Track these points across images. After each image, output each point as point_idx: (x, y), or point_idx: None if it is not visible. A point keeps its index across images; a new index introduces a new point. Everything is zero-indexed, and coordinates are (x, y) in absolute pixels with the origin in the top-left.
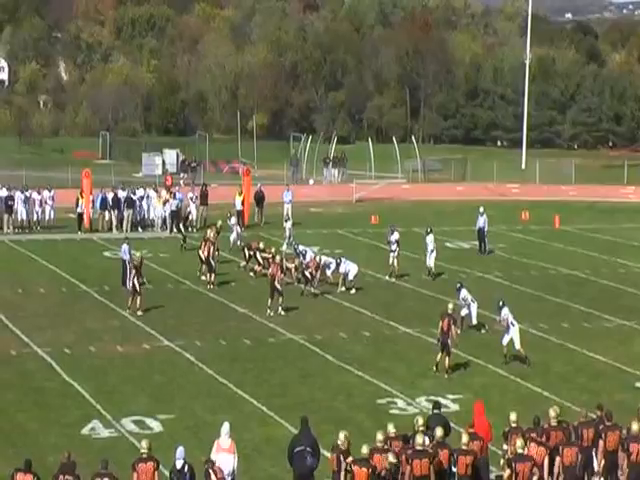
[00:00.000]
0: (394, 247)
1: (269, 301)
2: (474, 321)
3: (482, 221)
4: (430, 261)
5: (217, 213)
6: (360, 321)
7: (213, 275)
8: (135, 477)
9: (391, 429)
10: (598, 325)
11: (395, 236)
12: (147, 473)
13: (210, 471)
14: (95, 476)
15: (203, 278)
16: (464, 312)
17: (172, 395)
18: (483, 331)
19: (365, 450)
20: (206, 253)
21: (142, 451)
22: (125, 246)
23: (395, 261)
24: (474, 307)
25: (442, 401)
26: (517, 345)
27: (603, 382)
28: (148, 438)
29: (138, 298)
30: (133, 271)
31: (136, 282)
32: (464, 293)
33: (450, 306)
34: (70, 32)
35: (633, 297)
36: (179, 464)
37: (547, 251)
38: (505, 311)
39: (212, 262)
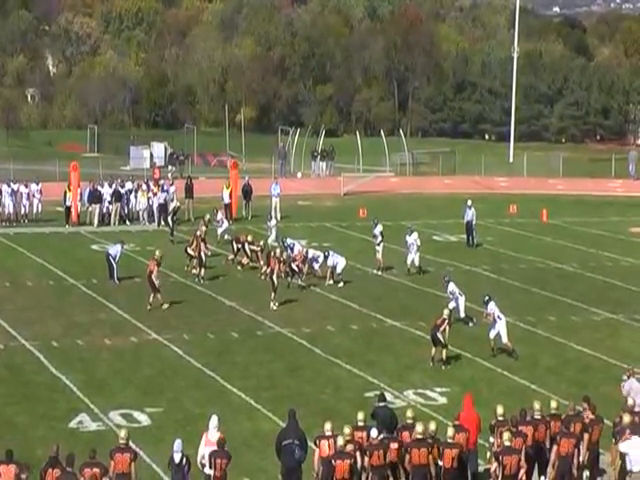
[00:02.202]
0: (379, 240)
1: (272, 295)
2: (462, 314)
3: (470, 214)
4: (416, 258)
5: (205, 206)
6: (348, 314)
7: (203, 269)
8: (112, 466)
9: (360, 418)
10: (586, 318)
11: (379, 228)
12: (123, 463)
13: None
14: (85, 466)
15: (194, 271)
16: (452, 305)
17: (160, 388)
18: (471, 324)
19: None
20: (197, 250)
21: (121, 441)
22: (118, 246)
23: (380, 254)
24: (461, 300)
25: (430, 394)
26: (504, 339)
27: (590, 375)
28: (131, 430)
29: (158, 295)
30: (156, 268)
31: (155, 280)
32: (451, 286)
33: (446, 312)
34: (58, 25)
35: (621, 290)
36: (177, 457)
37: (535, 244)
38: (491, 305)
39: (202, 256)
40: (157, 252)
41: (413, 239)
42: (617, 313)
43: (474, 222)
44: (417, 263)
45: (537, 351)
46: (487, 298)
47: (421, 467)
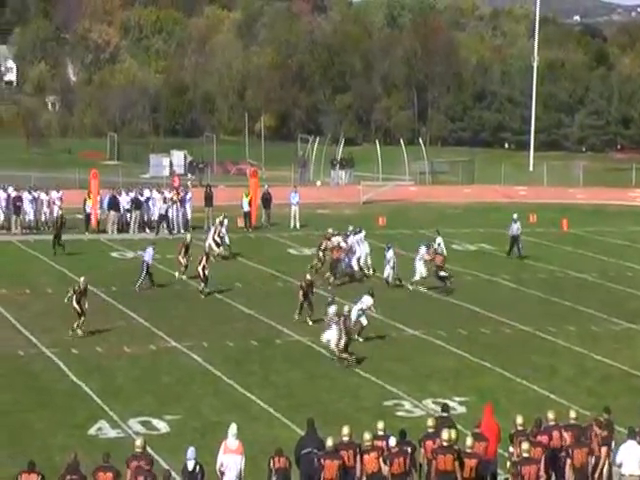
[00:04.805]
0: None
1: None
2: None
3: (515, 228)
4: (392, 273)
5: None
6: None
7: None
8: (129, 474)
9: (380, 427)
10: (605, 328)
11: (438, 240)
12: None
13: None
14: (98, 470)
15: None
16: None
17: (179, 396)
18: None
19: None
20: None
21: (137, 450)
22: (150, 249)
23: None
24: None
25: (449, 403)
26: (332, 345)
27: (610, 385)
28: (149, 437)
29: (82, 319)
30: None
31: (76, 305)
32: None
33: (346, 308)
34: (78, 33)
35: None
36: (190, 465)
37: (555, 254)
38: (332, 310)
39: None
40: (82, 279)
41: (390, 255)
42: (637, 323)
43: (520, 235)
44: (391, 278)
45: (556, 361)
46: (330, 299)
47: (446, 474)
